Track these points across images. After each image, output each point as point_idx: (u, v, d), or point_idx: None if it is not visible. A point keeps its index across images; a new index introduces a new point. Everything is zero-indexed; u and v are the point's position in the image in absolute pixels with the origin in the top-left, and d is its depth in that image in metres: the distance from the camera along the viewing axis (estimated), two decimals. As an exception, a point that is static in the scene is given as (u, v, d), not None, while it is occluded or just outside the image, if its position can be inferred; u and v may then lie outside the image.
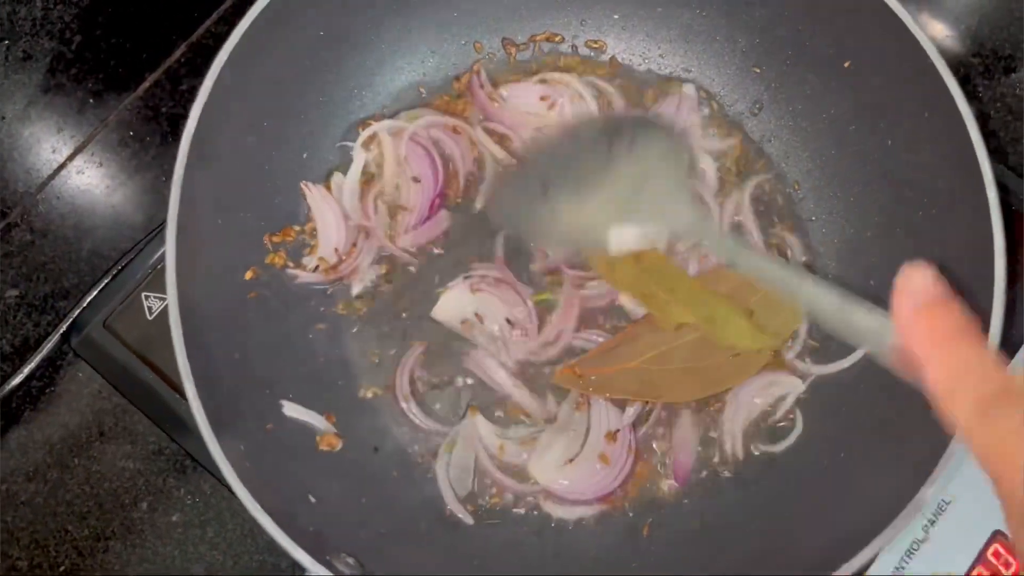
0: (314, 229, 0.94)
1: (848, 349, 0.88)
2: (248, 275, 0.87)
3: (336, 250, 0.93)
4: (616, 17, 0.98)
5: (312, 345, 0.91)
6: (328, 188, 0.95)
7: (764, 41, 0.94)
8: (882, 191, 0.89)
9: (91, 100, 1.08)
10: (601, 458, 0.87)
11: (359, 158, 0.95)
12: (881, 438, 0.80)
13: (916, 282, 0.51)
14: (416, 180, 0.95)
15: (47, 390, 1.00)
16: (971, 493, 0.88)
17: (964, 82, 1.07)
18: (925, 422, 0.75)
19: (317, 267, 0.92)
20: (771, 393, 0.90)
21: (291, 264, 0.92)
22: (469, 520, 0.86)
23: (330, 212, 0.94)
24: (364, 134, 0.96)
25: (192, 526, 0.96)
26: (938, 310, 0.50)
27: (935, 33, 1.11)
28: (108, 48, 1.09)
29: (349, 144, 0.96)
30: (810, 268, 0.93)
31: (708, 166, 0.96)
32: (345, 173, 0.95)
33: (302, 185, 0.93)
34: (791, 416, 0.89)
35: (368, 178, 0.96)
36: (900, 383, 0.81)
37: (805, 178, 0.96)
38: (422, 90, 0.99)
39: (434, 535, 0.84)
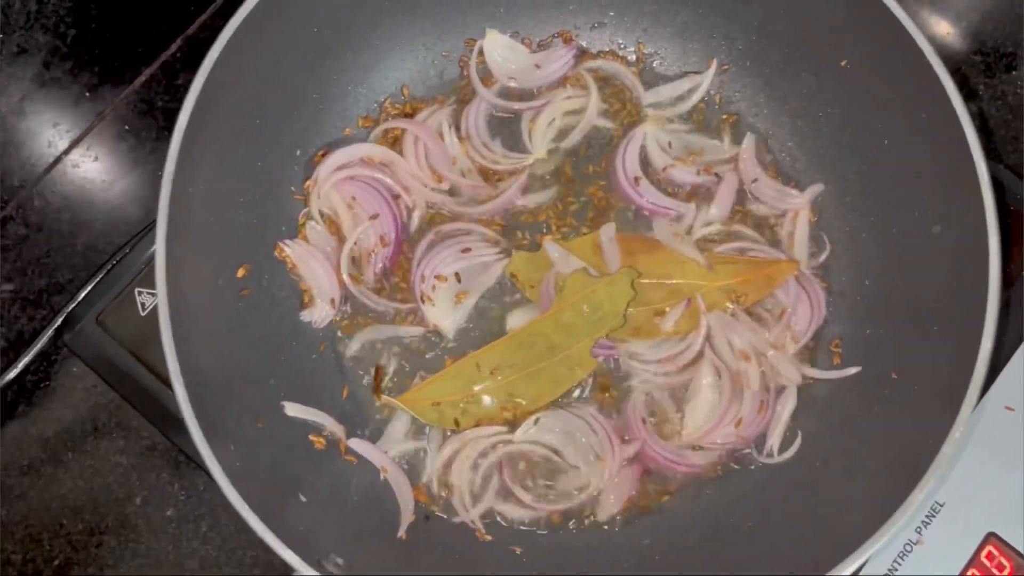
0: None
1: (850, 361, 0.88)
2: (240, 272, 0.87)
3: (333, 300, 0.91)
4: (611, 14, 0.98)
5: (305, 341, 0.91)
6: (305, 238, 0.92)
7: (761, 39, 0.93)
8: (879, 191, 0.88)
9: (87, 94, 1.08)
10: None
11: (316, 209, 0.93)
12: (872, 444, 0.80)
13: None
14: (374, 217, 0.92)
15: (41, 385, 1.00)
16: (965, 495, 0.87)
17: (965, 80, 1.07)
18: (915, 428, 0.76)
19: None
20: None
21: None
22: (459, 519, 0.86)
23: (316, 264, 0.91)
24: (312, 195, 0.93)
25: (186, 521, 0.97)
26: None
27: (937, 31, 1.10)
28: (103, 42, 1.09)
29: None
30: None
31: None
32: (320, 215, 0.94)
33: (279, 245, 0.91)
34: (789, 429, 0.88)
35: (334, 228, 0.93)
36: (890, 391, 0.82)
37: (802, 178, 0.95)
38: (405, 92, 0.98)
39: (422, 533, 0.84)
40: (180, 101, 1.06)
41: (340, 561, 0.73)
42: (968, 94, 1.06)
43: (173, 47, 1.10)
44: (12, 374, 0.97)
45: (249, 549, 0.96)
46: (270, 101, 0.88)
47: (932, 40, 0.79)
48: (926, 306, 0.81)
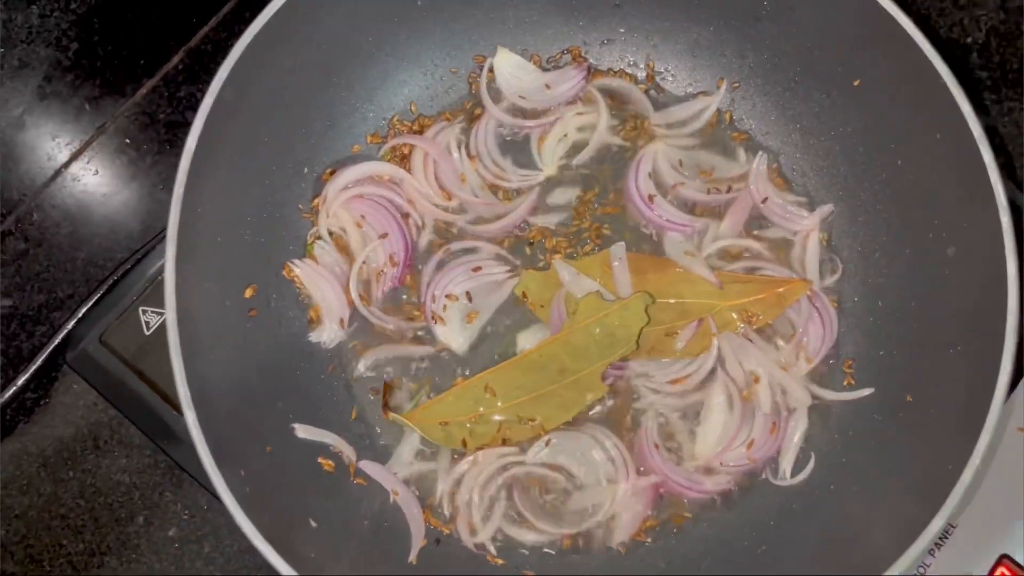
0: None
1: (863, 382, 0.88)
2: (248, 293, 0.86)
3: (342, 320, 0.90)
4: (621, 31, 0.97)
5: (313, 362, 0.90)
6: (314, 257, 0.91)
7: (772, 57, 0.92)
8: (892, 211, 0.88)
9: (87, 107, 1.07)
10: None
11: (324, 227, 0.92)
12: (889, 468, 0.80)
13: None
14: (384, 236, 0.91)
15: (41, 402, 0.98)
16: (977, 517, 0.87)
17: (971, 96, 1.06)
18: (932, 453, 0.76)
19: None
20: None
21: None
22: (471, 545, 0.85)
23: (325, 284, 0.90)
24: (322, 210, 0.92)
25: (188, 541, 0.95)
26: None
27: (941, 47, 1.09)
28: (105, 55, 1.08)
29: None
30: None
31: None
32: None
33: (287, 265, 0.90)
34: (802, 451, 0.88)
35: (343, 247, 0.92)
36: (905, 414, 0.81)
37: (814, 197, 0.94)
38: (414, 108, 0.97)
39: (433, 558, 0.83)
40: (182, 114, 1.07)
41: (354, 589, 0.72)
42: (974, 110, 1.06)
43: (175, 59, 1.08)
44: (11, 391, 0.96)
45: (254, 570, 0.94)
46: (278, 119, 0.87)
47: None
48: (941, 329, 0.81)
